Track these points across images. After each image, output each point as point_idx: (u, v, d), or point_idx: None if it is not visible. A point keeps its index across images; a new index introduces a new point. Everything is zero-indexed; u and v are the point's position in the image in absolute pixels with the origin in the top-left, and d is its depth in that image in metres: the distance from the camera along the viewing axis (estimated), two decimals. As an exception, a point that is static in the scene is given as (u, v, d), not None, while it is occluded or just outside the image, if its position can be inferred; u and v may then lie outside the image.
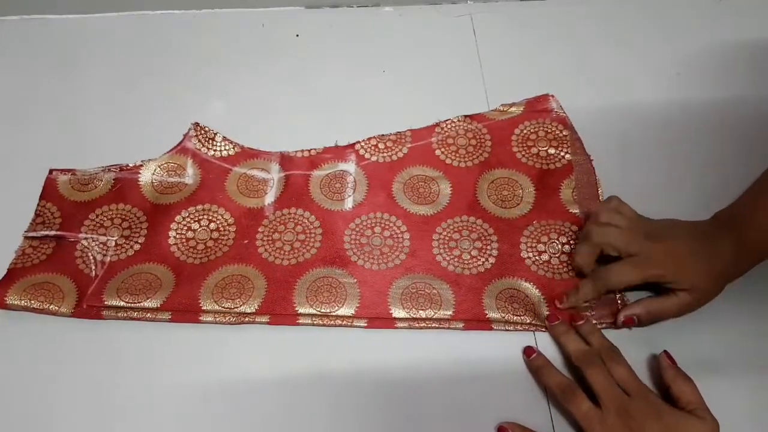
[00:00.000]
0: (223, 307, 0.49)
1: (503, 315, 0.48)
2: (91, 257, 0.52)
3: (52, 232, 0.53)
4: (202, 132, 0.58)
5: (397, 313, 0.49)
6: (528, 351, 0.47)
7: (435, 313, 0.49)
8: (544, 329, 0.48)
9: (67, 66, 0.64)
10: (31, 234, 0.53)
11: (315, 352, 0.48)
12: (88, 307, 0.49)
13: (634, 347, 0.47)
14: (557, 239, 0.52)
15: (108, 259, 0.52)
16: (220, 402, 0.46)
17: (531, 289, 0.50)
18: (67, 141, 0.59)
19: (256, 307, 0.49)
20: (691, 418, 0.41)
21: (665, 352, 0.46)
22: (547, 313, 0.49)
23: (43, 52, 0.66)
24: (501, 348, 0.48)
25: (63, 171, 0.56)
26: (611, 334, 0.47)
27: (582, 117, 0.59)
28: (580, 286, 0.49)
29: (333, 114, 0.61)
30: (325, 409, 0.46)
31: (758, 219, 0.46)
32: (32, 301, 0.48)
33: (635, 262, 0.46)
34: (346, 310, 0.49)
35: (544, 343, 0.48)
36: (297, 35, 0.67)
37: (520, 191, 0.55)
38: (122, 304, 0.49)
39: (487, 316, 0.48)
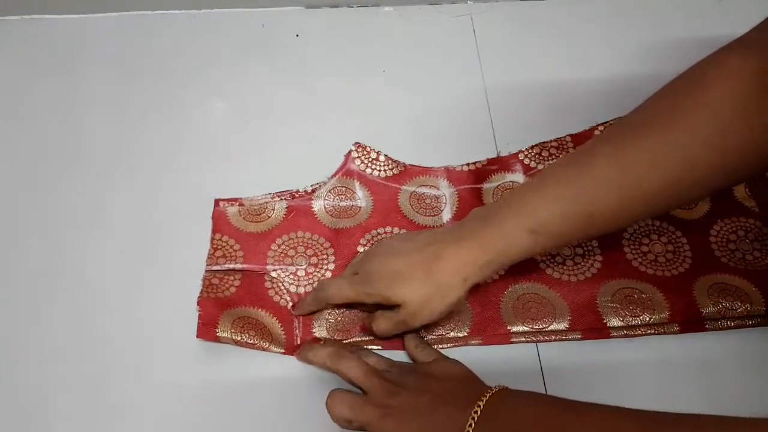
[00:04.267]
0: (435, 334, 0.48)
1: (716, 309, 0.48)
2: (284, 289, 0.50)
3: (239, 266, 0.51)
4: (364, 152, 0.57)
5: (612, 322, 0.48)
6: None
7: (650, 318, 0.48)
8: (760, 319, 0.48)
9: (67, 66, 0.64)
10: (214, 268, 0.50)
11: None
12: (302, 345, 0.47)
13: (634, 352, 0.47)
14: (745, 237, 0.52)
15: (302, 290, 0.50)
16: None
17: (739, 281, 0.49)
18: (67, 141, 0.59)
19: (467, 332, 0.48)
20: (440, 361, 0.44)
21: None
22: (764, 300, 0.48)
23: (43, 52, 0.66)
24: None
25: (229, 201, 0.54)
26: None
27: (582, 117, 0.59)
28: (306, 298, 0.49)
29: (333, 114, 0.61)
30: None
31: (506, 230, 0.42)
32: (243, 335, 0.46)
33: (353, 280, 0.46)
34: (558, 325, 0.47)
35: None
36: (297, 35, 0.67)
37: None
38: (338, 337, 0.48)
39: (703, 313, 0.48)
